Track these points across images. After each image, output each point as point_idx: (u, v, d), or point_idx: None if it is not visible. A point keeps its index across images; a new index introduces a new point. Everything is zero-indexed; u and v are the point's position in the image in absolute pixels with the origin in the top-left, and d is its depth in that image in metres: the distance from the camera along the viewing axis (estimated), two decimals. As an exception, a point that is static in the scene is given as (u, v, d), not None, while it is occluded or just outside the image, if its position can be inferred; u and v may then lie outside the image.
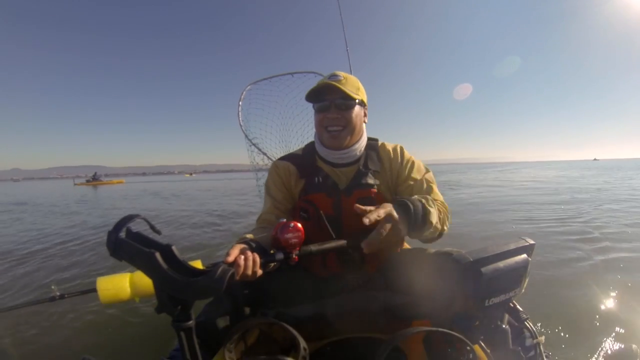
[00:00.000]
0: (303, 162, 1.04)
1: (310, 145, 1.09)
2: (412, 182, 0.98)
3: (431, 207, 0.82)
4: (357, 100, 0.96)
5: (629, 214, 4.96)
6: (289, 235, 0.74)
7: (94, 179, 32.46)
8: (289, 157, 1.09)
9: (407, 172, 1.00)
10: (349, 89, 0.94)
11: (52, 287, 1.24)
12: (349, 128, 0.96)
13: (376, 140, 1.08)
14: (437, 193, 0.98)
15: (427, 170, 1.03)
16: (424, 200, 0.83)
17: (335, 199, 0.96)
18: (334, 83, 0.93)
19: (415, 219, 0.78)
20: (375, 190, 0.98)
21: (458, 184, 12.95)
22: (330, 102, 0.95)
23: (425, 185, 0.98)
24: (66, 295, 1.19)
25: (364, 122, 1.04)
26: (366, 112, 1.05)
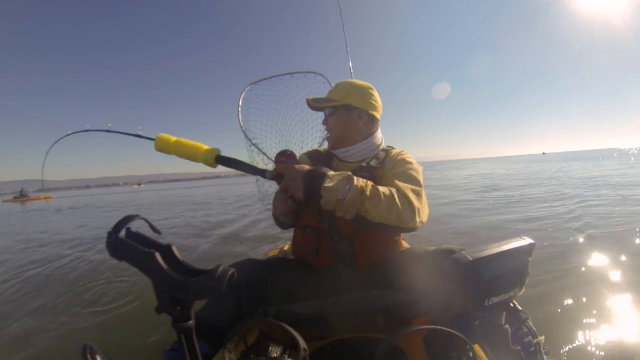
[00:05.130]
0: (321, 157, 1.17)
1: None
2: (390, 174, 0.98)
3: (341, 181, 0.80)
4: (340, 107, 1.06)
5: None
6: (283, 158, 0.99)
7: (22, 195, 31.44)
8: (310, 152, 1.23)
9: (392, 166, 1.01)
10: (329, 97, 1.08)
11: (139, 128, 1.15)
12: (334, 132, 1.09)
13: (392, 147, 1.14)
14: (405, 185, 0.89)
15: (411, 165, 1.00)
16: (336, 175, 0.82)
17: None
18: (308, 98, 1.11)
19: (311, 183, 0.83)
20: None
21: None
22: (324, 111, 1.12)
23: (397, 171, 0.97)
24: (145, 137, 1.13)
25: (363, 124, 1.06)
26: (362, 114, 1.06)
